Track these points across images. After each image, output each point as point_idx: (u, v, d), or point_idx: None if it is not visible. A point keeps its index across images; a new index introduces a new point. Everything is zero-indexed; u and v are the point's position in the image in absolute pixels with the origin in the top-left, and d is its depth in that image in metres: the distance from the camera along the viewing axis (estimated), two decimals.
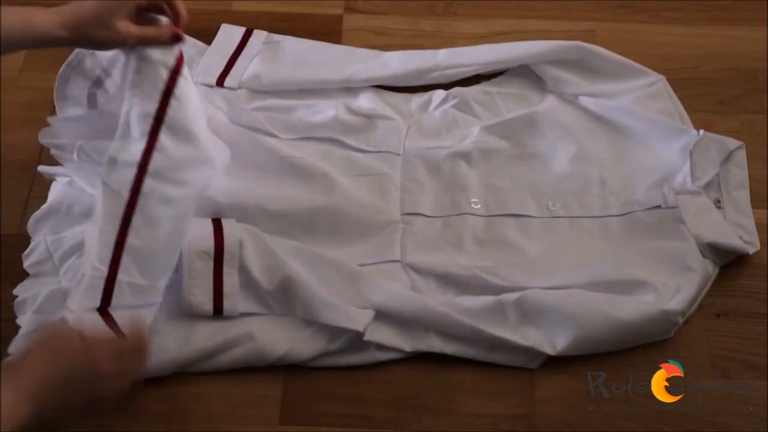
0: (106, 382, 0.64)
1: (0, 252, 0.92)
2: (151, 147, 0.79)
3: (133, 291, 0.81)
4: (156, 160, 0.79)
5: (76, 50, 0.87)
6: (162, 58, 0.79)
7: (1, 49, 0.73)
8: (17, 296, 0.87)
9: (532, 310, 0.84)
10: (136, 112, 0.79)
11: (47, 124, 0.96)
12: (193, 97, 0.83)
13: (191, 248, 0.84)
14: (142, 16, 0.79)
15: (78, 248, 0.89)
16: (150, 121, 0.79)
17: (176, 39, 0.79)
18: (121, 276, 0.80)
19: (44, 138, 0.93)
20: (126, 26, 0.76)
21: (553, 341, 0.84)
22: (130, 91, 0.79)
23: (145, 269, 0.81)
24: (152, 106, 0.79)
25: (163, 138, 0.80)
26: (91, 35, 0.75)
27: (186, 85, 0.81)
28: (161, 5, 0.79)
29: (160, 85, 0.79)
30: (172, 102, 0.79)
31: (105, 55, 0.86)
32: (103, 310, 0.80)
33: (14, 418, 0.57)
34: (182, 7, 0.80)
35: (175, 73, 0.80)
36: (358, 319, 0.83)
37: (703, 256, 0.88)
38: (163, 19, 0.80)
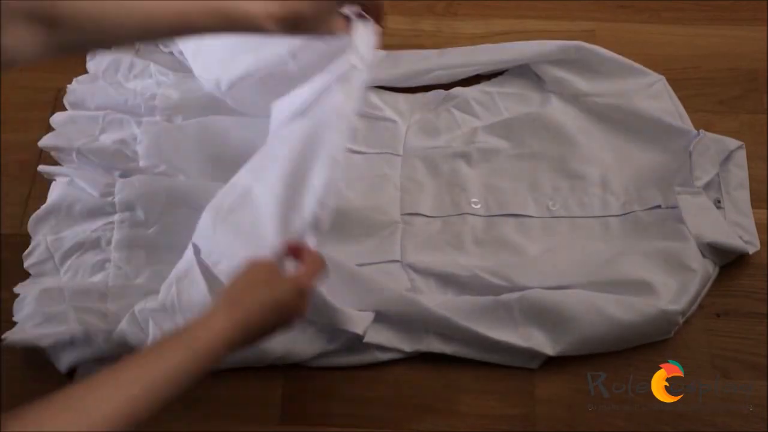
0: (305, 301, 0.67)
1: (0, 252, 0.92)
2: None
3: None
4: None
5: None
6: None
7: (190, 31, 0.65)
8: (18, 295, 0.87)
9: (532, 311, 0.84)
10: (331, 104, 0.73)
11: (47, 124, 0.96)
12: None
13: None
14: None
15: (78, 248, 0.89)
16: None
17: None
18: None
19: (44, 142, 0.94)
20: (340, 23, 0.71)
21: (553, 341, 0.84)
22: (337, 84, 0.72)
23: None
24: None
25: None
26: (305, 31, 0.69)
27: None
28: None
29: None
30: None
31: None
32: None
33: (228, 343, 0.62)
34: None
35: None
36: (358, 322, 0.83)
37: (703, 256, 0.88)
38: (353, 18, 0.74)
